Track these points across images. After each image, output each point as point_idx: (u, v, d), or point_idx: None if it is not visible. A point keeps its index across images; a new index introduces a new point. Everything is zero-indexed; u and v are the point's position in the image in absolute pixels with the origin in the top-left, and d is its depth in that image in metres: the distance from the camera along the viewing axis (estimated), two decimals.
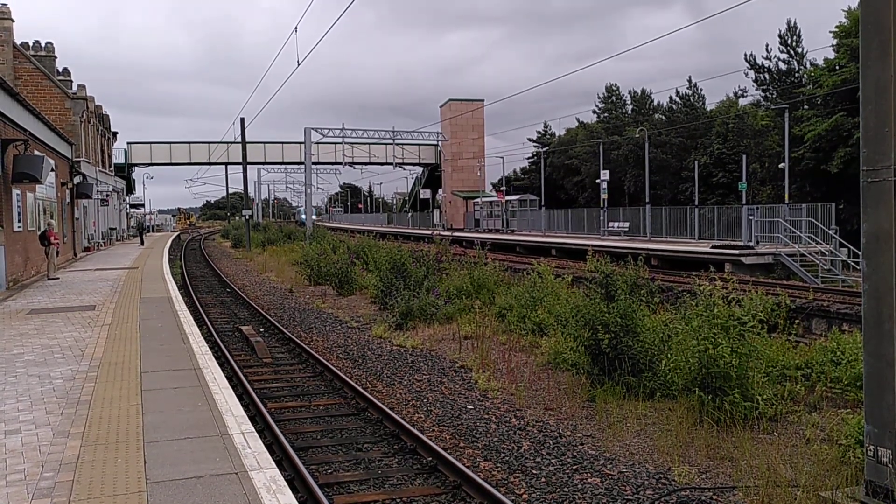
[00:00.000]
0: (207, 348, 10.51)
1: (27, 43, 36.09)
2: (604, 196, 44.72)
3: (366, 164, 75.37)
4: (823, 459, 7.10)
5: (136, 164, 73.73)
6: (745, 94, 58.33)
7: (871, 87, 3.70)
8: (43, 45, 36.85)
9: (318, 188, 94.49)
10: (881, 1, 3.63)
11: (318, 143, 60.21)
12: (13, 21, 32.32)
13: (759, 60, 52.71)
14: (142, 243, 46.18)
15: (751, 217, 27.87)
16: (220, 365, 9.88)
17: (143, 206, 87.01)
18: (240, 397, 8.44)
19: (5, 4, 31.78)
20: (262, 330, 16.25)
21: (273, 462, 5.67)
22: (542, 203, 54.52)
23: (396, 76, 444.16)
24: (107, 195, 47.04)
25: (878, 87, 3.72)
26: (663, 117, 68.80)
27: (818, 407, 9.05)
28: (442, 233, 41.79)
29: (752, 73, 53.67)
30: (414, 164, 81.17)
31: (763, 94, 53.98)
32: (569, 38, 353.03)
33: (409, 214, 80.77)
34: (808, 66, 49.72)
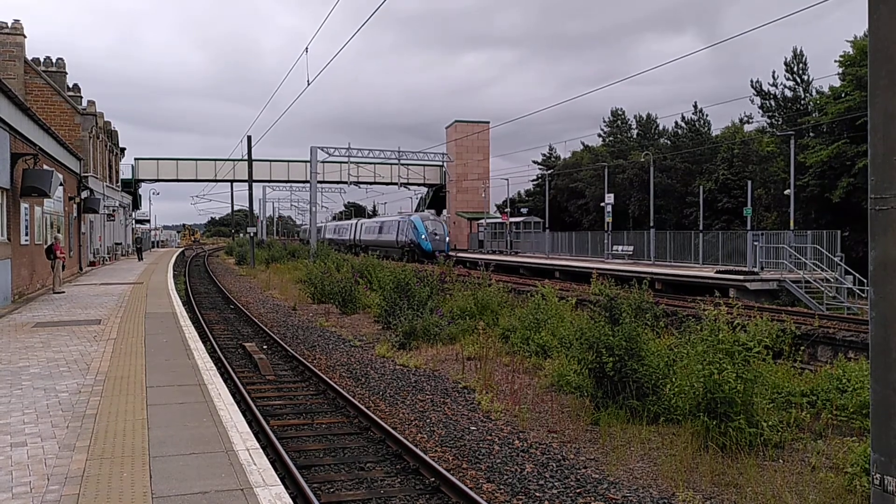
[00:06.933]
0: (212, 364, 10.52)
1: (38, 59, 36.43)
2: (608, 219, 44.75)
3: (371, 183, 75.57)
4: (829, 488, 7.07)
5: (143, 180, 73.89)
6: (750, 121, 58.61)
7: (880, 114, 3.73)
8: (54, 60, 37.20)
9: (322, 206, 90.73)
10: (889, 30, 3.69)
11: (323, 161, 60.47)
12: (25, 37, 32.66)
13: (766, 87, 53.04)
14: (139, 259, 45.69)
15: (756, 243, 27.84)
16: (224, 381, 9.88)
17: (148, 221, 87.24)
18: (243, 413, 8.43)
19: (18, 21, 32.12)
20: (265, 347, 16.25)
21: (278, 479, 5.67)
22: (547, 225, 54.55)
23: (409, 96, 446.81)
24: (113, 210, 47.23)
25: (887, 115, 3.75)
26: (668, 142, 69.06)
27: (824, 434, 9.01)
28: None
29: (757, 100, 53.98)
30: (419, 185, 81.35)
31: (769, 121, 54.22)
32: (582, 62, 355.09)
33: None
34: (813, 93, 49.97)
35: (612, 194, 47.56)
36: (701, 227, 44.55)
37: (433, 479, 7.47)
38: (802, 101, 51.23)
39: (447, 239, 54.03)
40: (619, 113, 76.14)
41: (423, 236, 52.36)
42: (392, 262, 34.04)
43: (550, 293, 16.16)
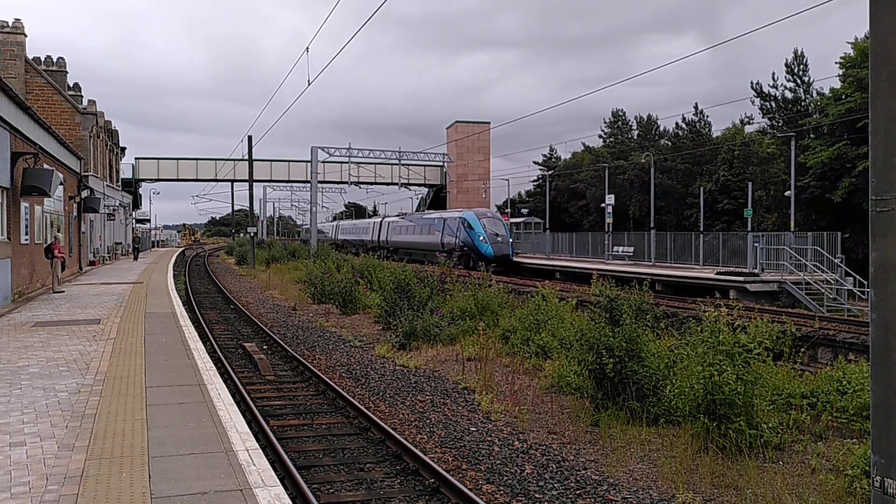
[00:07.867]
0: (212, 364, 10.51)
1: (39, 58, 36.43)
2: (608, 220, 44.76)
3: (371, 183, 75.58)
4: (829, 490, 7.06)
5: (144, 180, 74.04)
6: (751, 122, 58.61)
7: (881, 116, 3.73)
8: (55, 60, 37.20)
9: (323, 206, 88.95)
10: (890, 32, 3.68)
11: (324, 161, 60.50)
12: (26, 36, 32.67)
13: (766, 89, 53.04)
14: (135, 259, 46.10)
15: (756, 244, 27.81)
16: (224, 381, 9.88)
17: (148, 221, 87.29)
18: (242, 414, 8.43)
19: (18, 20, 32.13)
20: (265, 347, 16.24)
21: (277, 480, 5.66)
22: (547, 226, 54.56)
23: (409, 97, 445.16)
24: (113, 210, 47.23)
25: (888, 117, 3.75)
26: (669, 143, 69.11)
27: (824, 436, 9.00)
28: None
29: (758, 101, 53.98)
30: (419, 185, 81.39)
31: (769, 122, 54.24)
32: (582, 63, 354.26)
33: None
34: (814, 95, 49.98)
35: (613, 195, 47.61)
36: (701, 229, 44.57)
37: (433, 480, 7.46)
38: (803, 103, 51.24)
39: (510, 240, 42.42)
40: (620, 114, 76.26)
41: (480, 238, 40.78)
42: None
43: (551, 294, 16.15)
